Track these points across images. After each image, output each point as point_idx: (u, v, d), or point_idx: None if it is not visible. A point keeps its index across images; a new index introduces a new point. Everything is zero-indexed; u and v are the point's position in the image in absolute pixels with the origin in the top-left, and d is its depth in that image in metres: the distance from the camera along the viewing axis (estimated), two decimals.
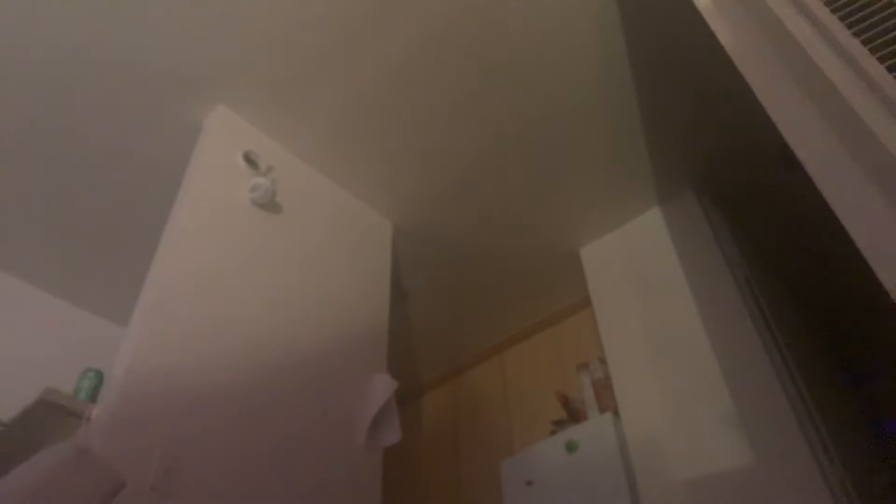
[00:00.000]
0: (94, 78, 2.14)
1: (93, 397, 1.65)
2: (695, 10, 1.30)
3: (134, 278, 1.94)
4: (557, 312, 3.36)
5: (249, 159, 2.24)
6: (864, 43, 0.95)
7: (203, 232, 1.96)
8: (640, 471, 2.24)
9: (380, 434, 2.12)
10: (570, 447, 2.48)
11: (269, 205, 2.20)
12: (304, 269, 2.23)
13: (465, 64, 2.25)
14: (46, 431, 1.58)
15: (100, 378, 1.70)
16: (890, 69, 0.90)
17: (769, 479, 1.95)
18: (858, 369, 3.26)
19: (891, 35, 0.93)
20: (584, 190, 2.78)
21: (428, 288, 3.20)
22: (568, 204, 2.85)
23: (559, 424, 2.78)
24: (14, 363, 2.57)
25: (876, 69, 0.91)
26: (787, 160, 1.03)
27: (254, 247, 2.09)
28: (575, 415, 2.77)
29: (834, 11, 1.00)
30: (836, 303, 3.16)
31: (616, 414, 2.46)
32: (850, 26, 0.97)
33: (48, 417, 1.56)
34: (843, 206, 0.87)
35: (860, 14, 0.97)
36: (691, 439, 2.20)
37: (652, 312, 2.58)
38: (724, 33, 1.20)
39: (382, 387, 2.17)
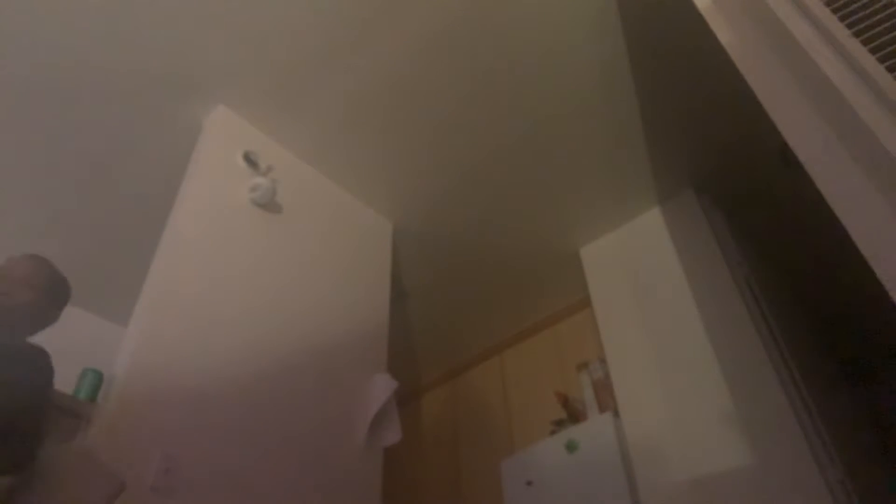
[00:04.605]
0: (95, 79, 2.14)
1: (93, 397, 1.65)
2: (695, 11, 1.30)
3: (134, 278, 1.94)
4: (557, 312, 3.36)
5: (249, 159, 2.24)
6: (864, 43, 0.95)
7: (203, 232, 1.96)
8: (640, 471, 2.24)
9: (380, 434, 2.12)
10: (570, 447, 2.48)
11: (269, 205, 2.20)
12: (304, 269, 2.23)
13: (465, 65, 2.25)
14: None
15: (100, 378, 1.69)
16: (890, 69, 0.90)
17: (769, 479, 1.95)
18: (858, 369, 3.26)
19: (891, 35, 0.93)
20: (584, 190, 2.78)
21: (428, 288, 3.19)
22: (568, 204, 2.85)
23: (559, 424, 2.78)
24: None
25: (876, 69, 0.91)
26: (787, 159, 1.03)
27: (254, 247, 2.09)
28: (575, 415, 2.77)
29: (834, 11, 1.00)
30: (836, 302, 3.16)
31: (616, 414, 2.46)
32: (850, 26, 0.97)
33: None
34: (843, 206, 0.87)
35: (860, 14, 0.97)
36: (691, 439, 2.20)
37: (652, 312, 2.58)
38: (725, 33, 1.20)
39: (382, 387, 2.17)
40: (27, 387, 1.22)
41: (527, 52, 2.22)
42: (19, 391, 1.19)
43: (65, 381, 1.66)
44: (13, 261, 1.46)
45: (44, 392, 1.28)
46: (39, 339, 1.41)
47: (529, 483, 2.52)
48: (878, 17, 0.95)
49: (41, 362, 1.29)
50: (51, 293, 1.45)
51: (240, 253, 2.03)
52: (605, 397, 2.63)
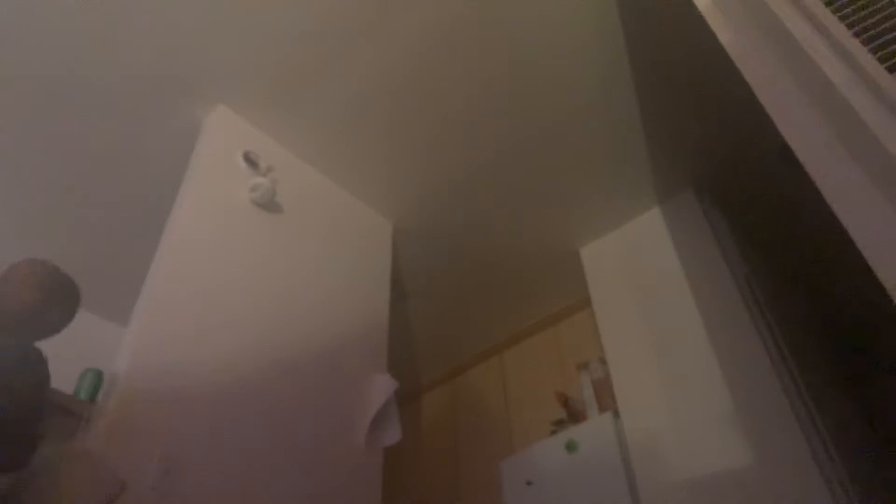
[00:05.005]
0: (95, 79, 2.14)
1: (93, 397, 1.65)
2: (695, 11, 1.30)
3: (134, 278, 1.94)
4: (557, 312, 3.36)
5: (249, 159, 2.24)
6: (864, 43, 0.95)
7: (203, 232, 1.96)
8: (640, 471, 2.24)
9: (380, 434, 2.12)
10: (570, 447, 2.48)
11: (269, 205, 2.20)
12: (304, 269, 2.23)
13: (465, 65, 2.24)
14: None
15: (100, 378, 1.69)
16: (890, 69, 0.90)
17: (769, 479, 1.95)
18: (858, 369, 3.26)
19: (891, 35, 0.93)
20: (584, 190, 2.78)
21: (428, 288, 3.19)
22: (568, 204, 2.85)
23: (559, 424, 2.78)
24: None
25: (876, 69, 0.91)
26: (787, 159, 1.03)
27: (254, 247, 2.09)
28: (575, 415, 2.77)
29: (834, 11, 1.00)
30: (835, 302, 3.16)
31: (616, 414, 2.46)
32: (850, 26, 0.97)
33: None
34: (843, 206, 0.87)
35: (860, 14, 0.97)
36: (691, 439, 2.20)
37: (652, 312, 2.58)
38: (725, 33, 1.20)
39: (382, 387, 2.17)
40: (20, 387, 1.22)
41: (527, 53, 2.22)
42: (12, 391, 1.19)
43: (65, 381, 1.67)
44: (16, 264, 1.46)
45: (39, 392, 1.28)
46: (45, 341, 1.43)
47: (529, 483, 2.52)
48: (878, 17, 0.95)
49: (34, 362, 1.29)
50: (52, 296, 1.45)
51: (240, 253, 2.03)
52: (605, 397, 2.63)
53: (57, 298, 1.46)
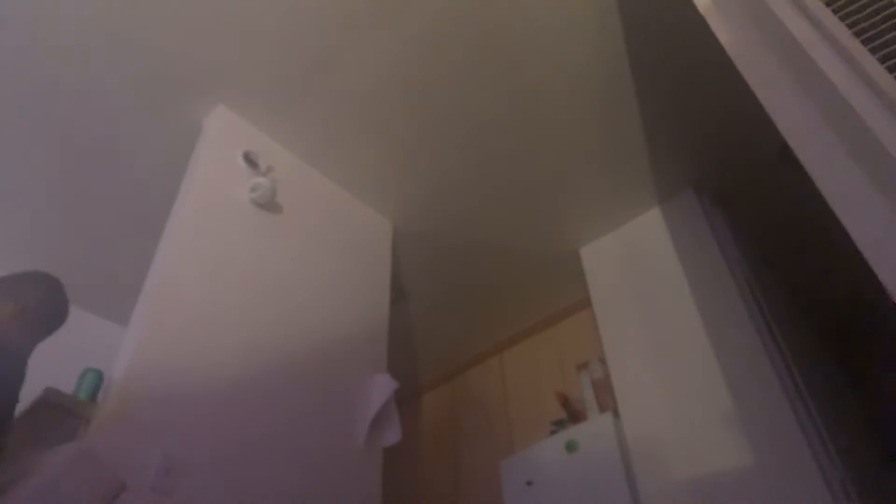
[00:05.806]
0: (94, 79, 2.15)
1: (93, 397, 1.65)
2: (695, 11, 1.30)
3: (134, 278, 1.94)
4: (557, 312, 3.36)
5: (249, 159, 2.24)
6: (864, 43, 0.94)
7: (203, 232, 1.96)
8: (640, 471, 2.24)
9: (380, 434, 2.12)
10: (570, 447, 2.48)
11: (269, 205, 2.20)
12: (304, 270, 2.23)
13: (465, 64, 2.25)
14: (46, 431, 1.58)
15: (100, 378, 1.69)
16: (890, 69, 0.90)
17: (769, 479, 1.95)
18: (858, 369, 3.26)
19: (891, 35, 0.93)
20: (584, 190, 2.78)
21: (428, 288, 3.19)
22: (568, 204, 2.85)
23: (559, 424, 2.78)
24: None
25: (876, 69, 0.91)
26: (786, 158, 1.03)
27: (254, 247, 2.09)
28: (575, 415, 2.77)
29: (834, 12, 1.00)
30: (835, 302, 3.16)
31: (616, 414, 2.46)
32: (850, 26, 0.97)
33: (48, 417, 1.55)
34: (843, 206, 0.87)
35: (860, 14, 0.97)
36: (691, 439, 2.20)
37: (652, 312, 2.58)
38: (724, 33, 1.20)
39: (382, 387, 2.17)
40: None
41: (527, 53, 2.22)
42: None
43: (65, 381, 1.67)
44: None
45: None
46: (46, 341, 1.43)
47: (529, 483, 2.52)
48: (878, 17, 0.95)
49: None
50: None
51: (240, 253, 2.03)
52: (605, 397, 2.63)
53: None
